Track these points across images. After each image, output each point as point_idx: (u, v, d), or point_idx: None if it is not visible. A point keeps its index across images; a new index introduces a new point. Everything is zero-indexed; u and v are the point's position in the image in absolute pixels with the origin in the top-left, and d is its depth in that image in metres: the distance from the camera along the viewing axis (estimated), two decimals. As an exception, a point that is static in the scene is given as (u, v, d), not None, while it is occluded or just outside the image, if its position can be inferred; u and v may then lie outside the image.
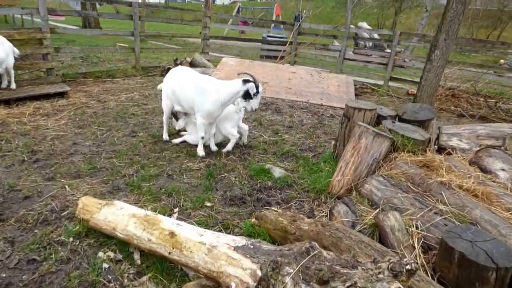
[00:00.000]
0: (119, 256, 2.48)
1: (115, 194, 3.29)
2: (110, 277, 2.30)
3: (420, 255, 2.08)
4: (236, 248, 1.99)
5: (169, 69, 9.01)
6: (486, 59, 18.50)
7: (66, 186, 3.29)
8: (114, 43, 11.54)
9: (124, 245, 2.54)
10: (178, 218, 2.96)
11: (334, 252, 2.00)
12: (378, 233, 2.34)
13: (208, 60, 10.29)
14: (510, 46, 9.55)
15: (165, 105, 4.55)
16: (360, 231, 2.42)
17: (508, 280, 1.77)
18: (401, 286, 1.31)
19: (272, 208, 3.21)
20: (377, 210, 2.51)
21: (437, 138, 4.20)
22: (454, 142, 4.07)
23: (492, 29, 27.95)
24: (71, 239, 2.58)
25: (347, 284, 1.42)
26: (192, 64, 9.25)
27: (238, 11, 24.01)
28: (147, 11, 15.35)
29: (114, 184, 3.44)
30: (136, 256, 2.48)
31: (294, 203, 3.37)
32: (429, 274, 1.96)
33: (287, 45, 11.86)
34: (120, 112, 5.64)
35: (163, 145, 4.50)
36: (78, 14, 10.99)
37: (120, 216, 2.50)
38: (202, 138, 4.20)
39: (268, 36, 13.67)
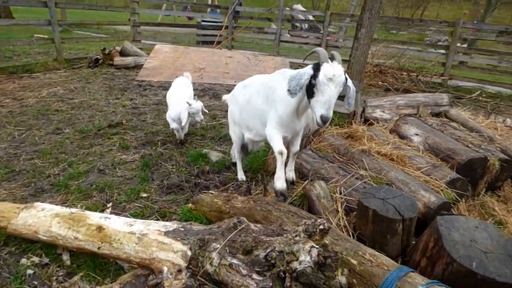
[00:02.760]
0: (46, 260, 2.32)
1: (39, 196, 3.05)
2: (36, 283, 2.16)
3: (343, 217, 2.25)
4: (166, 233, 1.98)
5: (97, 59, 8.44)
6: (411, 37, 20.07)
7: (-22, 194, 2.97)
8: (32, 34, 10.47)
9: (50, 248, 2.38)
10: (112, 213, 2.84)
11: (264, 224, 2.08)
12: (307, 202, 2.48)
13: (141, 49, 9.82)
14: (427, 23, 10.45)
15: (233, 133, 3.34)
16: (291, 203, 2.54)
17: (414, 228, 1.99)
18: (314, 244, 1.41)
19: (210, 191, 3.23)
20: (306, 182, 2.64)
21: (363, 111, 4.51)
22: (378, 113, 4.40)
23: (416, 8, 30.32)
24: (-14, 249, 2.36)
25: (268, 250, 1.49)
26: (123, 53, 8.76)
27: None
28: (68, -2, 14.04)
29: (37, 186, 3.18)
30: (65, 257, 2.35)
31: (232, 185, 3.41)
32: (350, 233, 2.13)
33: (223, 29, 11.72)
34: (41, 109, 5.18)
35: (93, 140, 4.25)
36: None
37: (41, 218, 2.33)
38: (281, 153, 2.51)
39: (203, 21, 13.36)
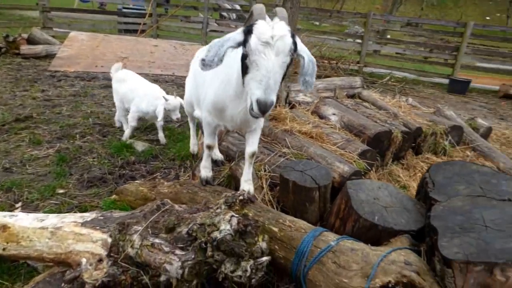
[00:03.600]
0: None
1: None
2: None
3: (267, 192, 2.35)
4: (84, 224, 1.86)
5: (-2, 48, 7.42)
6: (333, 29, 21.41)
7: None
8: None
9: None
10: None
11: (191, 205, 2.07)
12: (234, 182, 2.53)
13: (53, 37, 8.88)
14: (344, 14, 11.23)
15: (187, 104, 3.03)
16: (218, 183, 2.57)
17: (329, 195, 2.17)
18: (234, 213, 1.46)
19: (136, 181, 3.10)
20: (233, 163, 2.69)
21: (287, 96, 4.71)
22: (300, 97, 4.64)
23: (336, 2, 32.40)
24: None
25: (191, 225, 1.50)
26: (31, 41, 7.82)
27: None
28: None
29: None
30: (-36, 265, 2.07)
31: (160, 173, 3.32)
32: (275, 206, 2.24)
33: (147, 17, 11.15)
34: None
35: (-4, 136, 3.76)
36: None
37: None
38: (209, 147, 2.28)
39: (124, 8, 12.52)
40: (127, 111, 4.09)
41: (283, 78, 1.54)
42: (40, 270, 2.07)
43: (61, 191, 2.94)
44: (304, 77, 1.65)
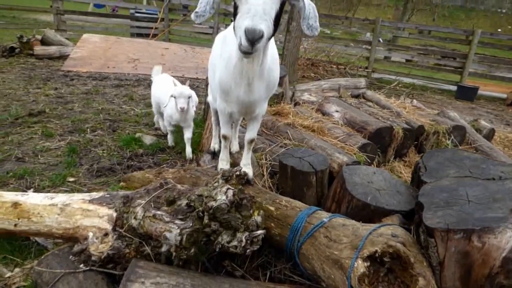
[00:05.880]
0: (-49, 249, 2.13)
1: None
2: None
3: (268, 179, 2.43)
4: (91, 201, 1.96)
5: (12, 48, 7.72)
6: (344, 36, 21.55)
7: None
8: None
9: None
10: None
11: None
12: (236, 170, 2.61)
13: (67, 39, 9.17)
14: (352, 21, 11.36)
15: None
16: (221, 172, 2.66)
17: (327, 181, 2.24)
18: (230, 187, 1.55)
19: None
20: (235, 152, 2.78)
21: (293, 95, 4.81)
22: (306, 96, 4.74)
23: (347, 12, 32.60)
24: None
25: (192, 198, 1.59)
26: (45, 42, 8.11)
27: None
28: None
29: None
30: (-24, 243, 2.18)
31: (166, 165, 3.43)
32: (274, 191, 2.32)
33: (159, 21, 11.43)
34: None
35: (9, 129, 3.92)
36: None
37: None
38: (225, 138, 2.21)
39: (137, 12, 12.85)
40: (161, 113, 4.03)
41: (278, 22, 1.47)
42: (50, 249, 2.18)
43: (71, 179, 3.06)
44: (308, 21, 1.57)
